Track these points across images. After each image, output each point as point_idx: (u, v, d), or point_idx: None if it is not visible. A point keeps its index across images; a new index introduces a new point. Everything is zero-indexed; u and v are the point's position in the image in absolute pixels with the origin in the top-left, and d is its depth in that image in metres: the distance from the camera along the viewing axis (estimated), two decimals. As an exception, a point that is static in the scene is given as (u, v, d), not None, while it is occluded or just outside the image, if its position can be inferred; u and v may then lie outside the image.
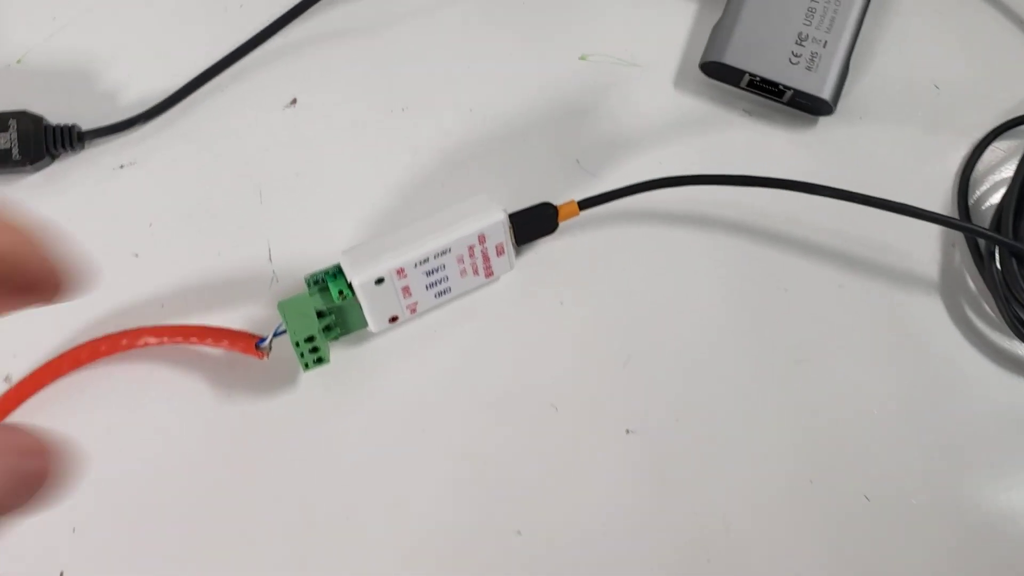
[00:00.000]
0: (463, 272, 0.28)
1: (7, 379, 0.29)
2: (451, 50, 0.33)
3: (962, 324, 0.30)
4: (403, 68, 0.33)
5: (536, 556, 0.28)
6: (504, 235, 0.28)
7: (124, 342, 0.28)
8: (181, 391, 0.29)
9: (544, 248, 0.31)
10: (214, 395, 0.29)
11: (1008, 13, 0.33)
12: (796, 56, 0.31)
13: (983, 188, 0.32)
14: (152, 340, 0.28)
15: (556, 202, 0.29)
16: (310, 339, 0.27)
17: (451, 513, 0.28)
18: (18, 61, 0.33)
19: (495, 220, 0.27)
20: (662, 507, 0.28)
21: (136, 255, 0.31)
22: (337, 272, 0.27)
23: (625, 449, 0.29)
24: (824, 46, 0.31)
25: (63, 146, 0.31)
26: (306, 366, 0.27)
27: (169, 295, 0.30)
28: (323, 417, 0.29)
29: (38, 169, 0.31)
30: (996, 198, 0.32)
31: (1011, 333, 0.30)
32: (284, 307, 0.27)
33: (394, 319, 0.28)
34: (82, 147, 0.32)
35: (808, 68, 0.31)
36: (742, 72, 0.31)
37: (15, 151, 0.30)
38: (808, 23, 0.31)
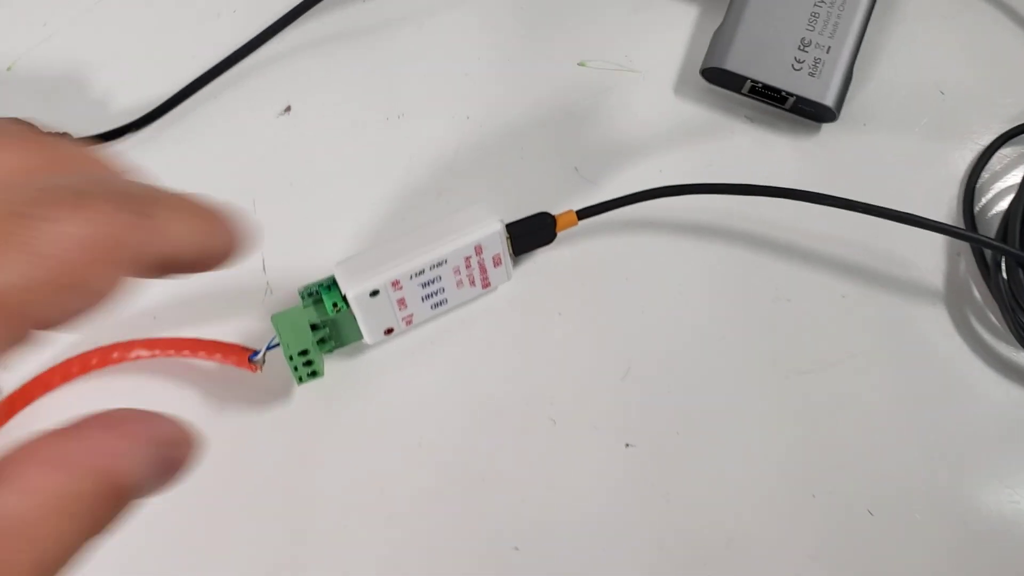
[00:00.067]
0: (459, 283, 0.28)
1: (-3, 392, 0.29)
2: (447, 56, 0.33)
3: (967, 335, 0.30)
4: (399, 75, 0.33)
5: (534, 572, 0.28)
6: (501, 246, 0.28)
7: (115, 355, 0.28)
8: (173, 405, 0.29)
9: (542, 258, 0.31)
10: (207, 409, 0.29)
11: (1015, 17, 0.33)
12: (799, 62, 0.31)
13: (989, 196, 0.32)
14: (144, 353, 0.28)
15: (554, 211, 0.29)
16: (304, 352, 0.27)
17: (448, 529, 0.28)
18: (8, 68, 0.33)
19: (492, 231, 0.27)
20: (662, 522, 0.28)
21: (128, 266, 0.30)
22: (332, 284, 0.27)
23: (624, 463, 0.28)
24: (827, 52, 0.31)
25: (53, 155, 0.31)
26: (300, 379, 0.27)
27: (161, 307, 0.30)
28: (317, 431, 0.29)
29: (28, 178, 0.31)
30: (1003, 206, 0.32)
31: (1017, 344, 0.30)
32: (277, 320, 0.27)
33: (390, 331, 0.28)
34: (73, 156, 0.32)
35: (811, 74, 0.31)
36: (744, 78, 0.31)
37: (5, 160, 0.30)
38: (811, 28, 0.31)
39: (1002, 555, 0.28)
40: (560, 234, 0.29)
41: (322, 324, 0.27)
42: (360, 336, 0.28)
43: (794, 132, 0.32)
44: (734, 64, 0.31)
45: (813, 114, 0.31)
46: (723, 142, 0.32)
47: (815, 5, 0.31)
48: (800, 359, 0.30)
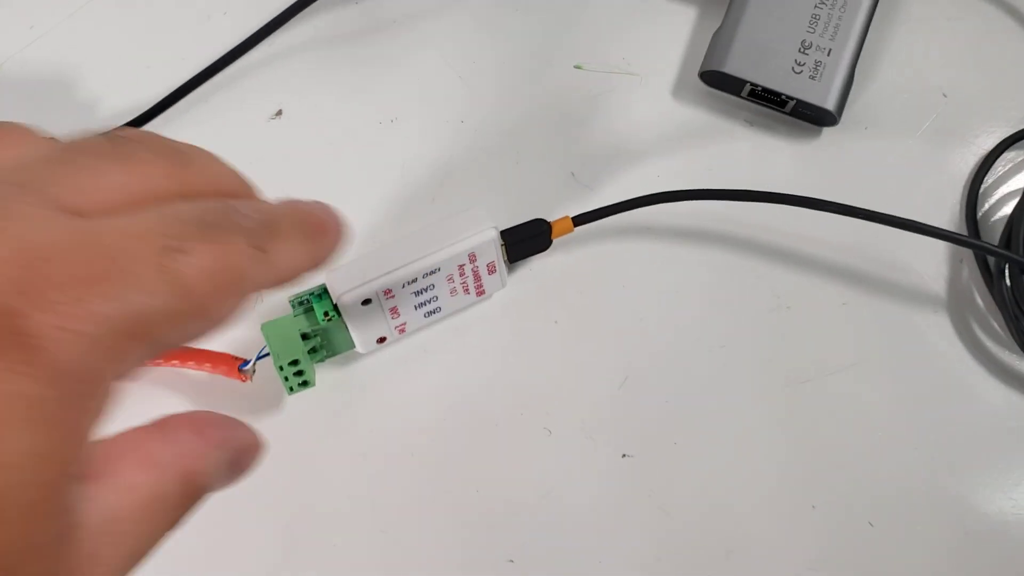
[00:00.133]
0: (453, 291, 0.28)
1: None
2: (441, 59, 0.33)
3: (969, 342, 0.30)
4: (392, 78, 0.33)
5: (529, 585, 0.28)
6: (496, 253, 0.28)
7: (104, 364, 0.28)
8: (161, 415, 0.29)
9: (537, 265, 0.31)
10: (196, 419, 0.29)
11: (1019, 19, 0.33)
12: (799, 65, 0.31)
13: (992, 201, 0.32)
14: (133, 362, 0.28)
15: (550, 217, 0.29)
16: (294, 363, 0.26)
17: (441, 541, 0.28)
18: (-6, 71, 0.33)
19: (486, 238, 0.27)
20: (660, 534, 0.28)
21: (116, 273, 0.30)
22: (322, 292, 0.27)
23: (621, 474, 0.28)
24: (828, 54, 0.31)
25: (41, 160, 0.31)
26: (291, 390, 0.27)
27: (150, 315, 0.30)
28: (308, 441, 0.29)
29: (15, 184, 0.31)
30: (1006, 211, 0.31)
31: (1020, 352, 0.30)
32: (268, 329, 0.27)
33: (382, 340, 0.28)
34: (60, 161, 0.32)
35: (812, 77, 0.31)
36: (743, 81, 0.31)
37: (-9, 166, 0.30)
38: (812, 30, 0.31)
39: (1005, 566, 0.28)
40: (556, 240, 0.29)
41: (313, 333, 0.27)
42: (352, 345, 0.28)
43: (794, 136, 0.32)
44: (733, 67, 0.31)
45: (814, 118, 0.31)
46: (722, 146, 0.32)
47: (816, 7, 0.31)
48: (800, 367, 0.30)
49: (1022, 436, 0.29)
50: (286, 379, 0.27)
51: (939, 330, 0.30)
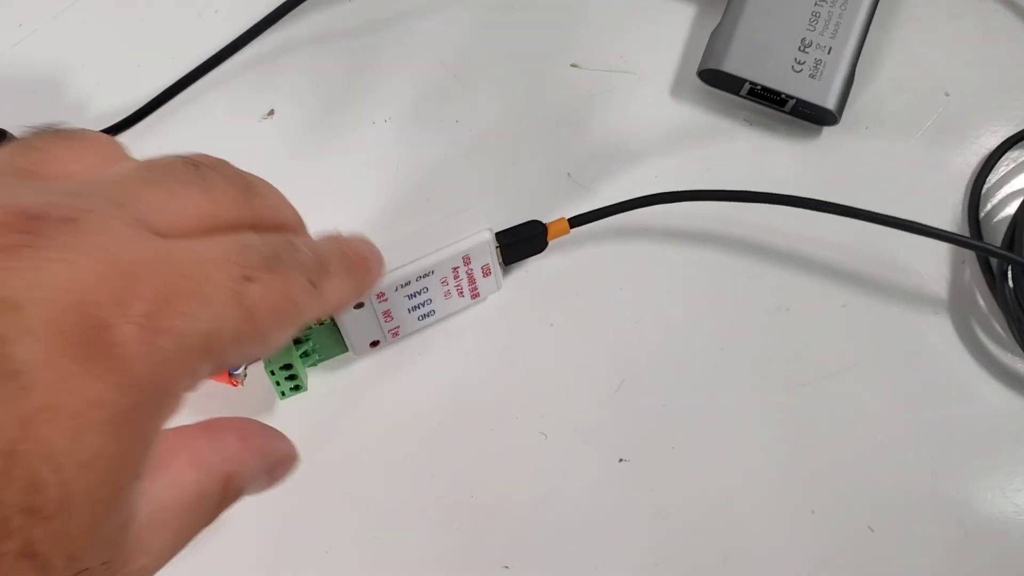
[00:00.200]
0: (447, 294, 0.28)
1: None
2: (435, 58, 0.33)
3: (971, 345, 0.30)
4: (385, 77, 0.33)
5: (524, 591, 0.28)
6: (490, 255, 0.28)
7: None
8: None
9: (533, 266, 0.31)
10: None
11: (1023, 16, 0.33)
12: (799, 63, 0.31)
13: (995, 201, 0.32)
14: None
15: (546, 218, 0.29)
16: (286, 367, 0.27)
17: (435, 547, 0.28)
18: (-17, 70, 0.33)
19: (480, 240, 0.27)
20: (657, 539, 0.28)
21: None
22: None
23: (618, 478, 0.29)
24: (828, 53, 0.31)
25: (29, 161, 0.31)
26: (282, 394, 0.27)
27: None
28: (300, 447, 0.29)
29: (3, 185, 0.31)
30: (1009, 211, 0.32)
31: (1023, 354, 0.30)
32: None
33: (375, 344, 0.28)
34: (50, 161, 0.32)
35: (812, 76, 0.31)
36: (742, 80, 0.31)
37: (-21, 166, 0.30)
38: (812, 29, 0.31)
39: (1006, 570, 0.28)
40: (552, 242, 0.29)
41: (305, 337, 0.27)
42: (345, 348, 0.28)
43: (794, 135, 0.32)
44: (732, 66, 0.31)
45: (814, 117, 0.31)
46: (721, 146, 0.32)
47: (816, 5, 0.31)
48: (800, 370, 0.30)
49: (1024, 440, 0.29)
50: (277, 384, 0.27)
51: (940, 332, 0.30)
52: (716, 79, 0.32)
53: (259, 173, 0.33)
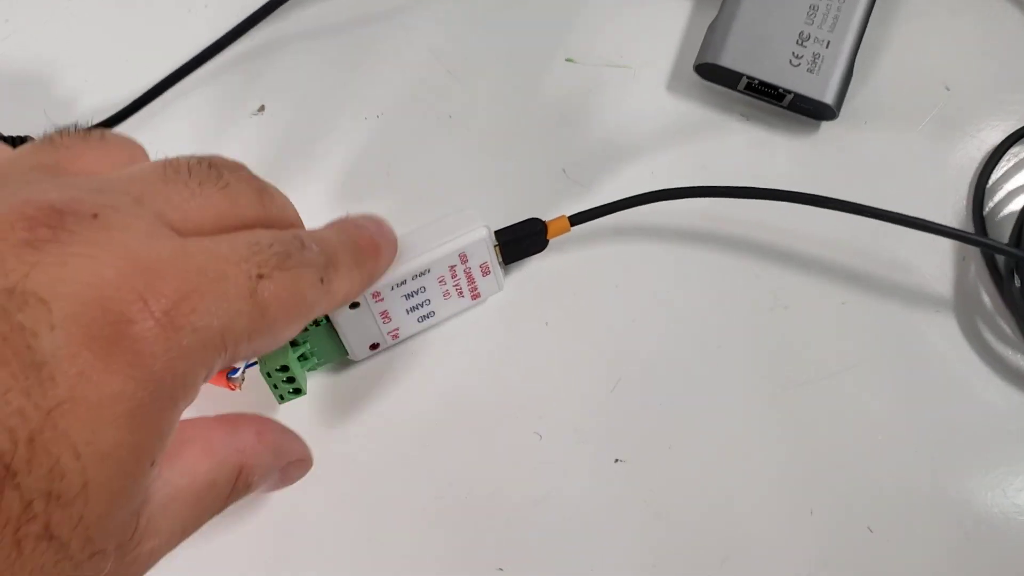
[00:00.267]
0: (446, 294, 0.28)
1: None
2: (428, 52, 0.33)
3: (976, 344, 0.30)
4: (377, 72, 0.33)
5: (519, 594, 0.28)
6: (488, 253, 0.28)
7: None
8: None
9: (527, 264, 0.31)
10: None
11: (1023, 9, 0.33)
12: (797, 57, 0.31)
13: (999, 197, 0.32)
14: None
15: (541, 215, 0.29)
16: (284, 369, 0.26)
17: (429, 548, 0.28)
18: (-31, 67, 0.33)
19: (477, 237, 0.27)
20: (654, 540, 0.28)
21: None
22: None
23: (614, 479, 0.29)
24: (827, 46, 0.31)
25: (16, 158, 0.31)
26: (281, 398, 0.27)
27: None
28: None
29: (-10, 182, 0.31)
30: (1014, 208, 0.32)
31: (1028, 353, 0.30)
32: None
33: (375, 346, 0.28)
34: (37, 159, 0.32)
35: (810, 70, 0.31)
36: (739, 74, 0.31)
37: (-35, 164, 0.30)
38: (810, 22, 0.31)
39: (1008, 572, 0.28)
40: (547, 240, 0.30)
41: (302, 340, 0.27)
42: (344, 352, 0.28)
43: (792, 130, 0.32)
44: (729, 60, 0.31)
45: (812, 112, 0.32)
46: (718, 141, 0.32)
47: (814, -3, 0.31)
48: (798, 369, 0.30)
49: (1027, 439, 0.29)
50: (275, 387, 0.27)
51: (941, 330, 0.30)
52: (713, 73, 0.32)
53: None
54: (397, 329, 0.28)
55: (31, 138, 0.31)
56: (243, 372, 0.27)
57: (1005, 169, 0.32)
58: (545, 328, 0.30)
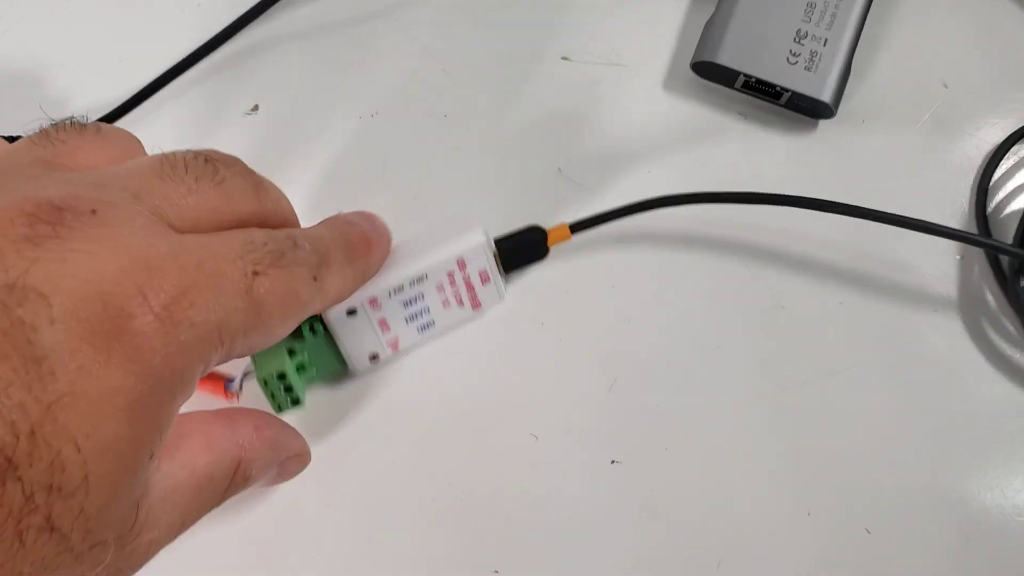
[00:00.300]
0: (446, 303, 0.28)
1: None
2: (422, 51, 0.33)
3: (977, 343, 0.30)
4: (373, 71, 0.33)
5: (514, 596, 0.28)
6: (487, 260, 0.28)
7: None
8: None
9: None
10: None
11: (1023, 5, 0.33)
12: (794, 55, 0.31)
13: (1002, 196, 0.32)
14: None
15: (536, 215, 0.30)
16: (282, 376, 0.25)
17: (424, 551, 0.28)
18: (-39, 66, 0.33)
19: (475, 242, 0.27)
20: (650, 542, 0.28)
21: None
22: None
23: (610, 480, 0.29)
24: (824, 44, 0.31)
25: (8, 158, 0.31)
26: (279, 408, 0.26)
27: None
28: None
29: (-18, 183, 0.32)
30: (1016, 207, 0.32)
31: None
32: None
33: (375, 358, 0.28)
34: (29, 159, 0.32)
35: (807, 68, 0.31)
36: (736, 73, 0.31)
37: (-43, 165, 0.31)
38: (807, 20, 0.31)
39: (1007, 573, 0.28)
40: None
41: (299, 349, 0.27)
42: (343, 363, 0.27)
43: (790, 129, 0.32)
44: (726, 58, 0.31)
45: (809, 110, 0.32)
46: (715, 140, 0.32)
47: (811, -5, 0.31)
48: (796, 370, 0.30)
49: (1026, 440, 0.29)
50: (272, 396, 0.26)
51: (940, 329, 0.30)
52: (710, 72, 0.32)
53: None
54: (397, 338, 0.28)
55: (23, 138, 0.31)
56: (240, 382, 0.27)
57: (1006, 168, 0.32)
58: (541, 328, 0.30)
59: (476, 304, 0.28)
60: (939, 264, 0.31)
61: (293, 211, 0.24)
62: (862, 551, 0.28)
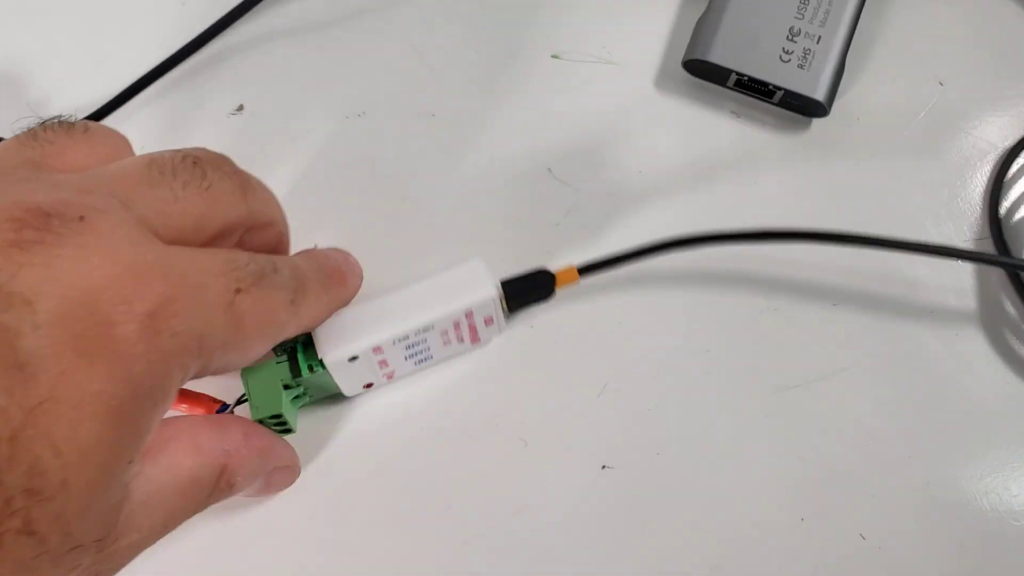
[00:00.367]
0: (446, 342, 0.28)
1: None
2: (410, 50, 0.33)
3: (976, 346, 0.30)
4: (358, 70, 0.33)
5: (503, 604, 0.28)
6: (495, 309, 0.27)
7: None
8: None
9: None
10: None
11: (1020, 1, 0.33)
12: (787, 53, 0.31)
13: (1010, 202, 0.32)
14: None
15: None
16: (277, 416, 0.26)
17: (412, 560, 0.28)
18: (-59, 67, 0.33)
19: (486, 297, 0.27)
20: (641, 549, 0.28)
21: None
22: (308, 341, 0.26)
23: (600, 486, 0.29)
24: (818, 42, 0.31)
25: (-11, 160, 0.31)
26: None
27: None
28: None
29: (-38, 185, 0.31)
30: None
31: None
32: (248, 376, 0.26)
33: (369, 385, 0.28)
34: (10, 161, 0.32)
35: (800, 66, 0.31)
36: (729, 71, 0.31)
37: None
38: (800, 17, 0.31)
39: (1005, 582, 0.28)
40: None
41: (295, 384, 0.27)
42: (336, 389, 0.28)
43: (783, 128, 0.32)
44: (718, 56, 0.31)
45: (803, 109, 0.32)
46: (707, 139, 0.32)
47: (804, -9, 0.31)
48: (788, 373, 0.30)
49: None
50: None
51: (935, 332, 0.30)
52: (702, 70, 0.32)
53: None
54: (393, 372, 0.28)
55: (3, 140, 0.31)
56: (232, 409, 0.27)
57: (1013, 172, 0.32)
58: (531, 331, 0.30)
59: (475, 340, 0.29)
60: (934, 265, 0.31)
61: (281, 210, 0.25)
62: (856, 557, 0.28)
